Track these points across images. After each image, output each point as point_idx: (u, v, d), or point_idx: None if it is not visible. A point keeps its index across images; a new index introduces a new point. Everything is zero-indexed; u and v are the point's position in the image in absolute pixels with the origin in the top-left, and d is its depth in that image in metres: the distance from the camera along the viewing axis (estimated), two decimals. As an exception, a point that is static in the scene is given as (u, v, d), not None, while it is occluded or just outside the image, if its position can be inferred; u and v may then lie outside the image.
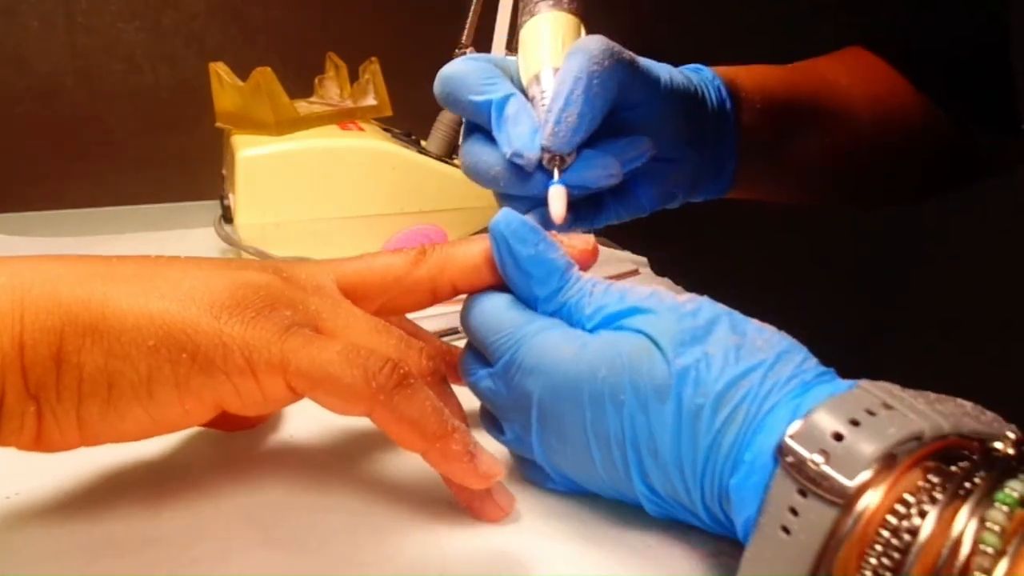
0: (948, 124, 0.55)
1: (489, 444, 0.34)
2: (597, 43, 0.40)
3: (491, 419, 0.37)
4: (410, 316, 0.40)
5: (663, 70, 0.44)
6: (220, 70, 0.68)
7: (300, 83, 0.75)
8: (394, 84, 0.73)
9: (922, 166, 0.58)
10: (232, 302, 0.31)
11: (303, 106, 0.71)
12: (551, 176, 0.40)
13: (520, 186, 0.41)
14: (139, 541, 0.32)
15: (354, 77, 0.74)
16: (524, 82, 0.43)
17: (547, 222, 0.39)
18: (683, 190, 0.49)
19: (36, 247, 0.68)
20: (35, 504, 0.34)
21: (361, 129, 0.69)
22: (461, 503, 0.34)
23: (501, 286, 0.36)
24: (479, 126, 0.43)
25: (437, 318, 0.51)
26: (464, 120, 0.45)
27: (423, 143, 0.71)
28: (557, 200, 0.40)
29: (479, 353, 0.36)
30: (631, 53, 0.42)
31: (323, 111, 0.69)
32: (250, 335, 0.30)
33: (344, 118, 0.70)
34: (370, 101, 0.73)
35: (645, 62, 0.43)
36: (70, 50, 0.93)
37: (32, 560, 0.31)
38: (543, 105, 0.41)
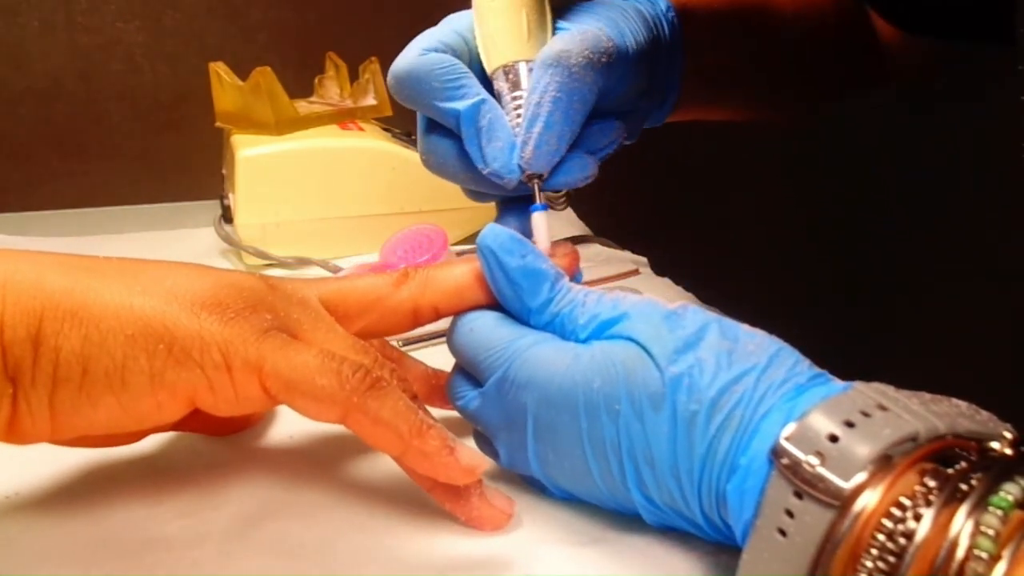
0: (859, 17, 0.55)
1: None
2: (577, 51, 0.37)
3: (486, 442, 0.36)
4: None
5: (630, 38, 0.41)
6: (220, 70, 0.68)
7: (300, 83, 0.74)
8: (394, 84, 0.73)
9: (838, 61, 0.56)
10: (214, 301, 0.31)
11: (303, 106, 0.71)
12: (525, 187, 0.39)
13: (492, 190, 0.40)
14: (139, 542, 0.32)
15: (354, 77, 0.74)
16: (488, 69, 0.40)
17: (525, 232, 0.38)
18: (632, 134, 0.46)
19: (36, 247, 0.68)
20: (35, 505, 0.34)
21: (361, 129, 0.69)
22: (460, 518, 0.34)
23: (484, 307, 0.36)
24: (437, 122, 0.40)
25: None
26: (420, 115, 0.41)
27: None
28: (542, 228, 0.38)
29: (467, 375, 0.36)
30: (606, 44, 0.38)
31: (323, 111, 0.70)
32: (229, 333, 0.30)
33: (344, 118, 0.70)
34: (370, 101, 0.73)
35: (616, 38, 0.39)
36: (70, 50, 0.93)
37: (32, 561, 0.31)
38: (515, 108, 0.38)
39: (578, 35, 0.38)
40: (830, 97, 0.61)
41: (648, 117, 0.48)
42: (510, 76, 0.39)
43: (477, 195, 0.43)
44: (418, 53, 0.39)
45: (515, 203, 0.40)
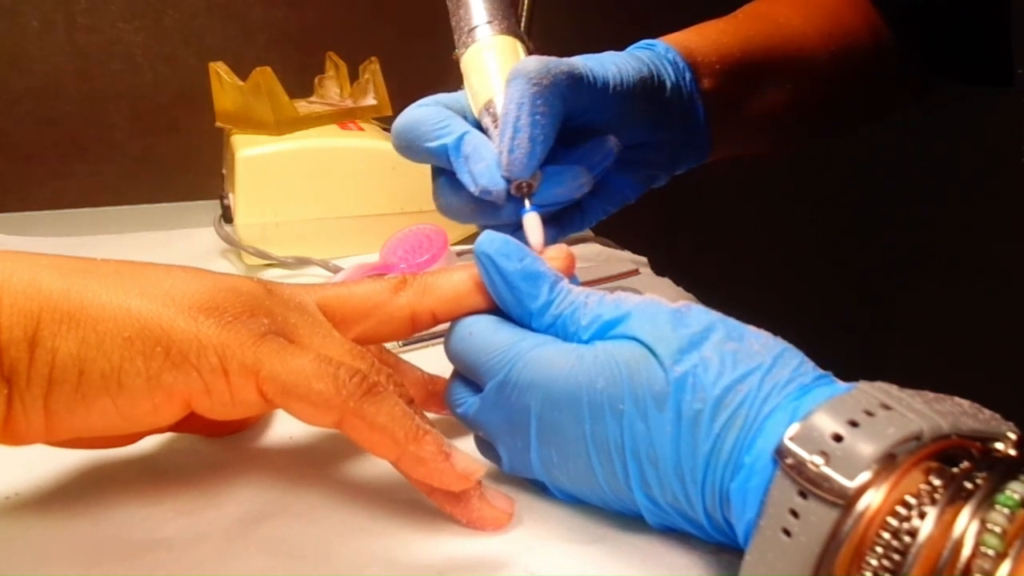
0: (894, 53, 0.56)
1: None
2: (534, 64, 0.40)
3: (488, 448, 0.36)
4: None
5: (611, 68, 0.44)
6: (220, 70, 0.68)
7: (300, 83, 0.74)
8: (394, 84, 0.73)
9: (870, 88, 0.58)
10: (212, 304, 0.31)
11: (303, 106, 0.71)
12: (522, 202, 0.41)
13: (495, 217, 0.42)
14: (140, 543, 0.32)
15: (354, 77, 0.74)
16: (475, 113, 0.43)
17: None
18: (664, 169, 0.49)
19: (36, 247, 0.68)
20: (35, 505, 0.34)
21: (361, 129, 0.69)
22: (461, 520, 0.34)
23: (482, 312, 0.36)
24: (444, 169, 0.43)
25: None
26: (430, 166, 0.45)
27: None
28: (533, 229, 0.40)
29: (466, 381, 0.36)
30: (571, 62, 0.41)
31: (323, 111, 0.69)
32: (226, 337, 0.30)
33: (344, 118, 0.70)
34: (370, 101, 0.73)
35: (592, 64, 0.43)
36: (70, 50, 0.93)
37: (32, 562, 0.31)
38: (497, 134, 0.41)
39: (540, 56, 0.41)
40: (857, 124, 0.62)
41: (681, 157, 0.49)
42: (490, 110, 0.42)
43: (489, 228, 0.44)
44: (412, 109, 0.43)
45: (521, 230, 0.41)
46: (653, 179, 0.48)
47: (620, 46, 0.48)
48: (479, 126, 0.43)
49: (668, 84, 0.46)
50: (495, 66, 0.43)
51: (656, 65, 0.46)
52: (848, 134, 0.63)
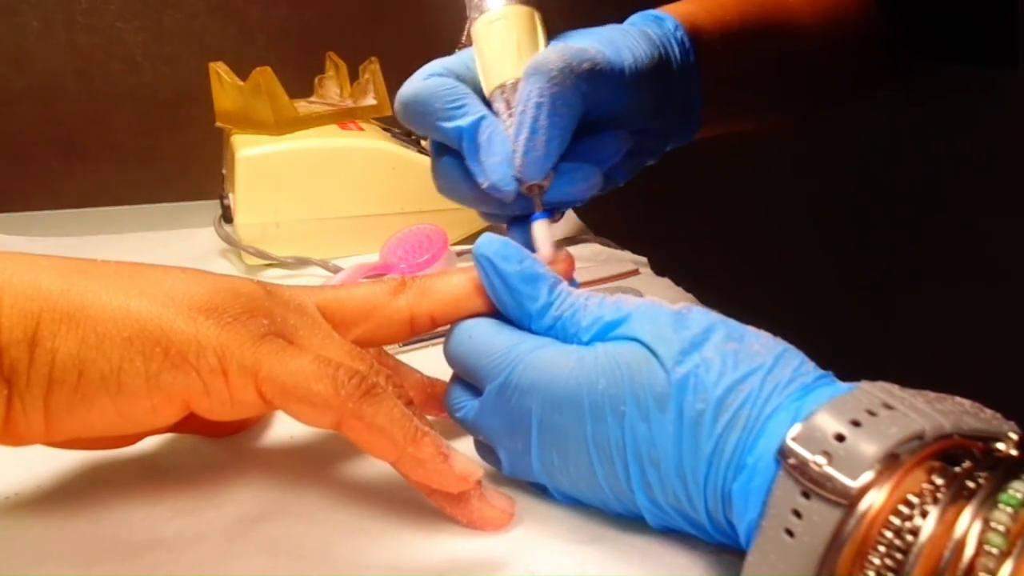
0: (884, 28, 0.55)
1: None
2: (555, 58, 0.38)
3: (488, 451, 0.36)
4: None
5: (627, 55, 0.42)
6: (220, 70, 0.68)
7: (300, 83, 0.75)
8: (394, 84, 0.73)
9: (859, 63, 0.57)
10: (211, 305, 0.31)
11: (303, 106, 0.71)
12: (529, 198, 0.39)
13: (498, 209, 0.41)
14: (139, 543, 0.32)
15: (354, 77, 0.74)
16: (486, 92, 0.41)
17: (530, 247, 0.38)
18: (654, 154, 0.47)
19: (36, 247, 0.68)
20: (35, 505, 0.34)
21: (361, 129, 0.69)
22: (461, 521, 0.34)
23: (480, 315, 0.36)
24: (448, 147, 0.42)
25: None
26: (431, 140, 0.43)
27: (423, 143, 0.71)
28: (542, 237, 0.39)
29: (465, 385, 0.36)
30: (591, 54, 0.39)
31: (323, 111, 0.69)
32: (225, 337, 0.30)
33: (344, 118, 0.70)
34: (370, 101, 0.73)
35: (609, 53, 0.40)
36: (70, 50, 0.93)
37: (32, 561, 0.31)
38: (510, 124, 0.39)
39: (560, 47, 0.39)
40: (844, 99, 0.62)
41: (671, 138, 0.48)
42: (504, 95, 0.40)
43: (489, 216, 0.43)
44: (423, 78, 0.41)
45: (522, 220, 0.41)
46: (642, 164, 0.47)
47: (619, 11, 0.46)
48: (489, 106, 0.41)
49: (675, 67, 0.45)
50: (510, 43, 0.40)
51: (666, 47, 0.44)
52: (837, 108, 0.62)
